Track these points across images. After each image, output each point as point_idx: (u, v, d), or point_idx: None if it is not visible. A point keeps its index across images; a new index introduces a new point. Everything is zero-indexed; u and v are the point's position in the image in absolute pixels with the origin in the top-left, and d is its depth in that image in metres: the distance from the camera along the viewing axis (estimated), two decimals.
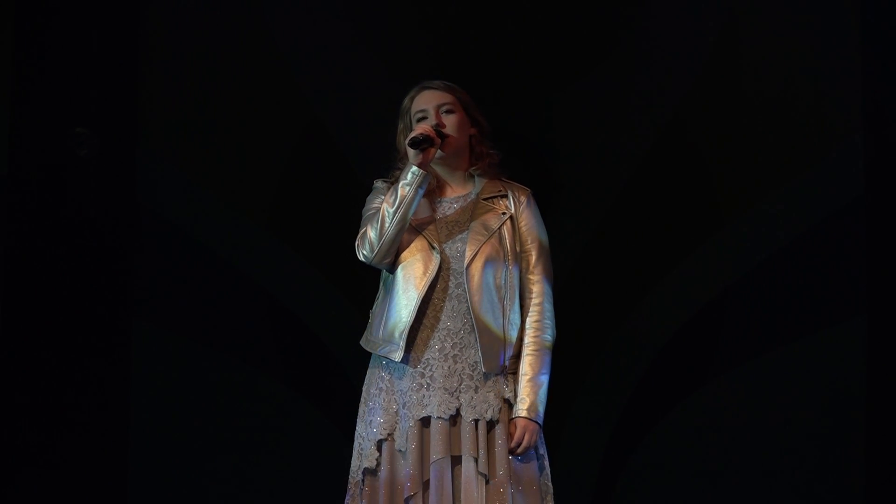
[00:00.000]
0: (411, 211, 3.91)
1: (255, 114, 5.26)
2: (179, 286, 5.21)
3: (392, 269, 3.98)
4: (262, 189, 5.27)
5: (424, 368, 3.92)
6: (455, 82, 4.11)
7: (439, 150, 3.97)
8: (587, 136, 5.19)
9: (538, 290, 4.02)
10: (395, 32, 5.19)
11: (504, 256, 4.00)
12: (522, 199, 4.08)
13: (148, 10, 5.18)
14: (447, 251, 3.98)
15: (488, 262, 3.98)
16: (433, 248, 3.95)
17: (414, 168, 3.91)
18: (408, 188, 3.89)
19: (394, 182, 4.01)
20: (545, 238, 4.08)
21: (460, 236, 4.00)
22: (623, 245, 5.18)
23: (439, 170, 4.09)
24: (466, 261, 3.95)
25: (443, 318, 3.91)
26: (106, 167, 5.16)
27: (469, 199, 4.09)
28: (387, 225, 3.89)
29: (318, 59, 5.26)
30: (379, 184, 4.09)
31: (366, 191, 4.14)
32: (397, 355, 3.91)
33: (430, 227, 4.01)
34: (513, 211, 4.05)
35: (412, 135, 3.92)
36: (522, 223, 4.07)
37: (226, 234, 5.25)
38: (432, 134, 3.91)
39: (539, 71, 5.18)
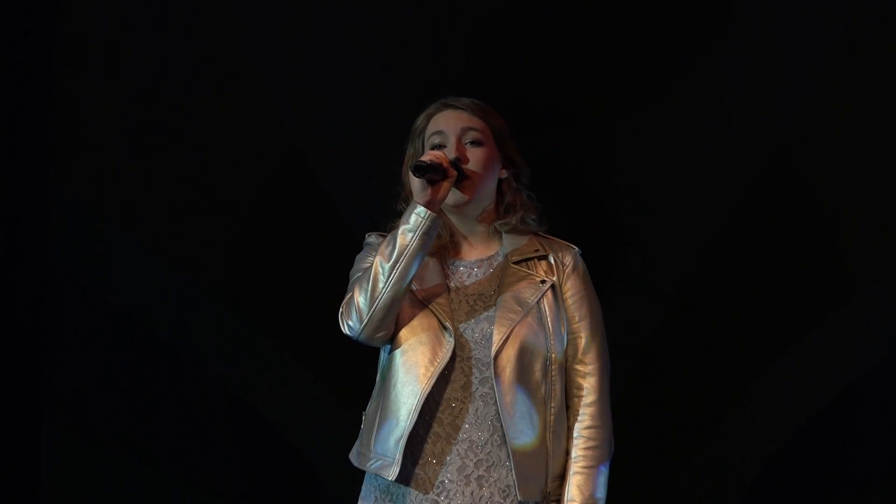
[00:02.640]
0: (414, 267, 3.51)
1: (213, 146, 4.74)
2: (107, 379, 4.71)
3: (389, 351, 3.59)
4: (221, 247, 4.75)
5: (438, 495, 3.50)
6: (486, 101, 3.72)
7: (457, 192, 3.58)
8: (659, 176, 4.66)
9: (591, 385, 3.61)
10: (403, 33, 4.73)
11: (545, 341, 3.57)
12: (568, 260, 3.66)
13: (67, 9, 4.80)
14: (466, 334, 3.56)
15: (524, 348, 3.54)
16: (444, 328, 3.53)
17: (419, 208, 3.51)
18: (410, 235, 3.50)
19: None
20: (599, 314, 3.65)
21: (485, 314, 3.57)
22: (710, 325, 4.62)
23: (455, 221, 3.69)
24: (494, 348, 3.51)
25: (463, 426, 3.50)
26: (6, 217, 4.74)
27: (495, 263, 3.67)
28: (381, 285, 3.50)
29: (299, 68, 4.77)
30: (373, 238, 3.70)
31: (358, 247, 3.72)
32: (391, 471, 3.49)
33: (441, 299, 3.58)
34: (555, 278, 3.63)
35: (419, 159, 3.54)
36: (569, 294, 3.63)
37: (171, 309, 4.75)
38: (445, 163, 3.52)
39: (594, 88, 4.69)
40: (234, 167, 4.80)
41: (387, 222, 3.72)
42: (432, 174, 3.53)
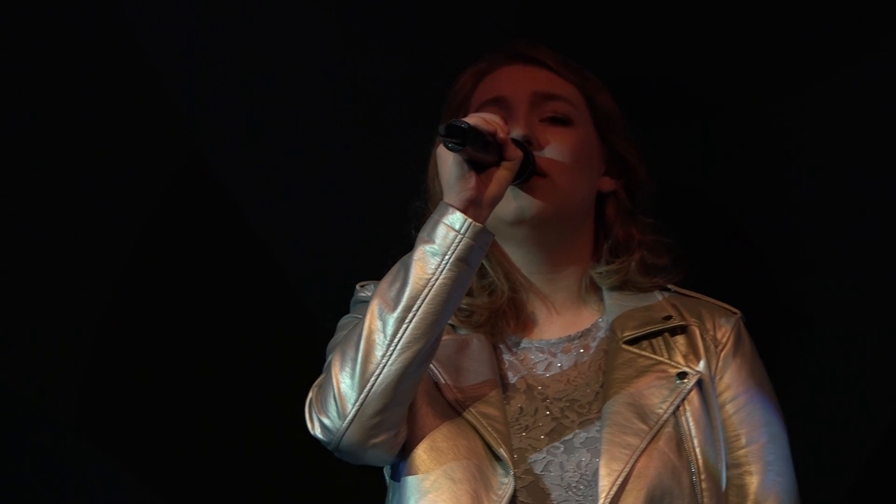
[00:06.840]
0: (442, 322, 2.50)
1: (82, 173, 3.37)
2: None
3: (397, 490, 2.58)
4: (76, 344, 3.36)
5: None
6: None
7: (523, 197, 2.60)
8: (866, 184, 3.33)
9: None
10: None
11: (692, 482, 2.56)
12: (724, 334, 2.66)
13: None
14: (546, 473, 2.56)
15: (656, 499, 2.52)
16: (497, 459, 2.56)
17: (453, 214, 2.47)
18: (434, 262, 2.47)
19: None
20: (782, 429, 2.63)
21: (581, 436, 2.58)
22: None
23: (520, 260, 2.70)
24: (605, 498, 2.49)
25: None
26: None
27: (594, 343, 2.69)
28: (379, 353, 2.48)
29: (219, 62, 3.46)
30: (370, 291, 2.71)
31: (327, 333, 2.71)
32: None
33: (492, 408, 2.59)
34: (703, 366, 2.61)
35: (456, 118, 2.51)
36: (728, 394, 2.64)
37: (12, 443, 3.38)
38: (502, 132, 2.48)
39: (765, 59, 3.40)
40: (108, 207, 3.47)
41: (385, 267, 2.74)
42: (477, 148, 2.44)
